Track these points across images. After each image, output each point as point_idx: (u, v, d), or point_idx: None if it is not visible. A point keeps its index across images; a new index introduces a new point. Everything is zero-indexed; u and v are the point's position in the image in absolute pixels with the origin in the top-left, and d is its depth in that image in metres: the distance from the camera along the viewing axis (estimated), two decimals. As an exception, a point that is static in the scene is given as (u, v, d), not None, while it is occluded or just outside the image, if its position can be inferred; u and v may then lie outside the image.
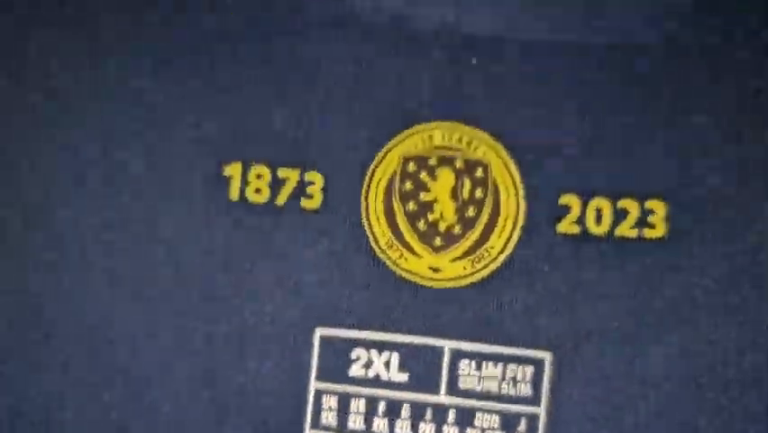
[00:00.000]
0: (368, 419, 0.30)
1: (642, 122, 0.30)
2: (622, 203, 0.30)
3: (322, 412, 0.30)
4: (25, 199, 0.31)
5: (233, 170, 0.31)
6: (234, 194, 0.30)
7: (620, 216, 0.30)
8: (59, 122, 0.32)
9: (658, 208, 0.30)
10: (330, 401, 0.30)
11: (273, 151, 0.30)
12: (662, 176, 0.30)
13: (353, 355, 0.30)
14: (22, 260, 0.31)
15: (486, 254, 0.30)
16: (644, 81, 0.30)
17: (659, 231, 0.30)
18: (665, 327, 0.30)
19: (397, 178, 0.30)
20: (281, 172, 0.30)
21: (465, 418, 0.30)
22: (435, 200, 0.30)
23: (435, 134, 0.30)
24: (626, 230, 0.30)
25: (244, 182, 0.30)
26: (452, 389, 0.30)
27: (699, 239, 0.30)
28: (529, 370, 0.30)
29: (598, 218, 0.30)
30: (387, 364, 0.30)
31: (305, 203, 0.30)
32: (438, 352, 0.30)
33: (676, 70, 0.30)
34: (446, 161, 0.30)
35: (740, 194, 0.30)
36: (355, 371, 0.30)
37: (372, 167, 0.30)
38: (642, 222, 0.30)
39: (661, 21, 0.30)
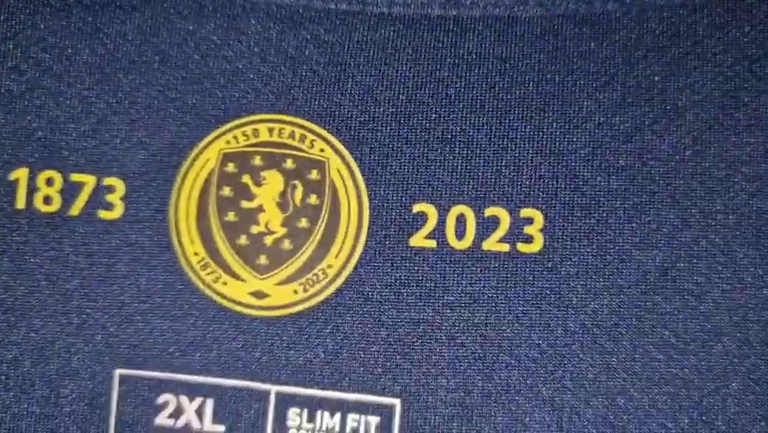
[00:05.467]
0: (173, 480, 0.24)
1: (513, 119, 0.24)
2: (489, 211, 0.24)
3: (120, 469, 0.24)
4: None
5: (20, 175, 0.25)
6: (21, 202, 0.25)
7: (487, 227, 0.24)
8: None
9: (535, 218, 0.24)
10: (130, 456, 0.24)
11: (65, 153, 0.25)
12: (537, 181, 0.24)
13: (160, 401, 0.24)
14: None
15: (321, 276, 0.24)
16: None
17: (536, 244, 0.24)
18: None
19: (214, 181, 0.25)
20: (75, 177, 0.25)
21: None
22: (260, 209, 0.24)
23: (261, 129, 0.25)
24: (494, 243, 0.24)
25: (32, 189, 0.25)
26: (279, 444, 0.24)
27: (573, 251, 0.24)
28: (374, 421, 0.24)
29: (461, 230, 0.24)
30: (199, 413, 0.24)
31: (103, 213, 0.25)
32: (262, 397, 0.24)
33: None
34: (274, 161, 0.25)
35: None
36: (162, 419, 0.24)
37: (184, 168, 0.25)
38: (514, 234, 0.24)
39: None
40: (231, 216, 0.25)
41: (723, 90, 0.24)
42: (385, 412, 0.24)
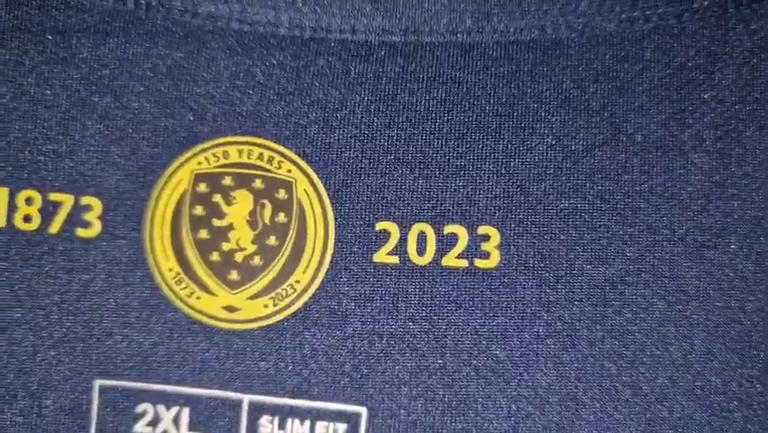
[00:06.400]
0: (150, 487, 0.26)
1: (470, 140, 0.26)
2: (449, 229, 0.25)
3: (99, 477, 0.26)
4: None
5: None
6: (1, 221, 0.26)
7: (446, 243, 0.25)
8: None
9: (492, 235, 0.25)
10: (109, 464, 0.26)
11: (44, 173, 0.26)
12: (494, 200, 0.25)
13: (138, 410, 0.26)
14: None
15: (290, 290, 0.25)
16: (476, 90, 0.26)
17: (492, 260, 0.25)
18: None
19: (187, 201, 0.26)
20: (53, 197, 0.26)
21: None
22: (231, 227, 0.26)
23: (231, 150, 0.26)
24: (453, 259, 0.25)
25: (12, 208, 0.26)
26: (249, 450, 0.25)
27: (527, 267, 0.25)
28: (342, 427, 0.25)
29: (421, 247, 0.25)
30: (176, 421, 0.26)
31: (81, 231, 0.26)
32: (235, 406, 0.25)
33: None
34: (243, 181, 0.26)
35: None
36: (140, 428, 0.26)
37: (158, 188, 0.26)
38: (472, 250, 0.25)
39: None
40: (203, 234, 0.26)
41: (668, 113, 0.26)
42: (352, 419, 0.25)
